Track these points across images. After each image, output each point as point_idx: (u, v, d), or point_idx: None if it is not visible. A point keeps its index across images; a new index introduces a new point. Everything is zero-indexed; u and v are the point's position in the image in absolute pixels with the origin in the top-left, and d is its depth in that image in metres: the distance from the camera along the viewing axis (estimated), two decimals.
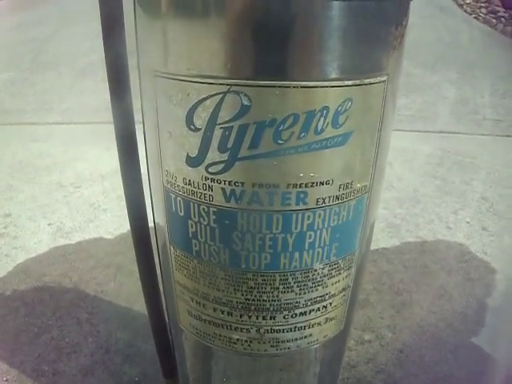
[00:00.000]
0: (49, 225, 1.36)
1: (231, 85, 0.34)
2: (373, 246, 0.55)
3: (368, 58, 0.37)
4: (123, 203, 0.59)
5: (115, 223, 1.34)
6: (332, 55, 0.34)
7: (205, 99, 0.35)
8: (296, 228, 0.41)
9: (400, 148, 1.83)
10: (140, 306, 1.03)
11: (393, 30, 0.37)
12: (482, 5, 4.98)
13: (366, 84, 0.36)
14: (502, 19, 4.48)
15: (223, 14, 0.34)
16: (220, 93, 0.35)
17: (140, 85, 0.43)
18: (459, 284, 1.15)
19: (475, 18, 4.67)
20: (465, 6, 5.03)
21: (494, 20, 4.50)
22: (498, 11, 4.66)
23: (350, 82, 0.35)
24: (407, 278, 1.16)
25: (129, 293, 1.08)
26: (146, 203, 0.53)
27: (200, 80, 0.35)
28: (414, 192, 1.56)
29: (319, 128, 0.36)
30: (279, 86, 0.34)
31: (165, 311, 0.63)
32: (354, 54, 0.35)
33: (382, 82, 0.38)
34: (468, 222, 1.43)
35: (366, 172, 0.42)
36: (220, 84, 0.35)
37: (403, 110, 2.25)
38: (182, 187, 0.41)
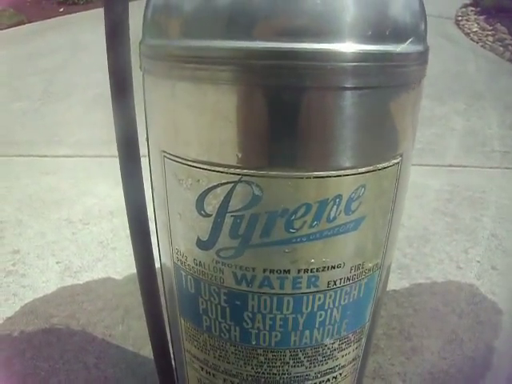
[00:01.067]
0: (57, 263, 1.36)
1: (242, 175, 0.34)
2: None
3: (382, 143, 0.37)
4: None
5: (124, 263, 1.33)
6: (345, 144, 0.34)
7: (215, 187, 0.35)
8: (307, 309, 0.40)
9: (411, 184, 1.82)
10: (148, 351, 1.02)
11: (407, 112, 0.37)
12: (489, 33, 5.00)
13: (379, 169, 0.36)
14: (510, 47, 4.49)
15: (233, 102, 0.34)
16: (231, 182, 0.35)
17: (149, 159, 0.43)
18: (469, 327, 1.14)
19: (482, 46, 4.69)
20: (471, 35, 5.06)
21: (501, 48, 4.52)
22: (505, 39, 4.68)
23: (363, 169, 0.35)
24: (417, 322, 1.14)
25: (136, 337, 1.07)
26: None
27: (210, 168, 0.35)
28: (423, 230, 1.54)
29: (332, 216, 0.36)
30: (291, 177, 0.34)
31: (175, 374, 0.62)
32: (368, 142, 0.35)
33: (396, 164, 0.38)
34: (478, 261, 1.41)
35: (378, 251, 0.42)
36: (231, 173, 0.34)
37: None
38: (193, 267, 0.41)
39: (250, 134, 0.34)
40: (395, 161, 0.37)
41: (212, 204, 0.36)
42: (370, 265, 0.41)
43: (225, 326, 0.42)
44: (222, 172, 0.35)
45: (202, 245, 0.38)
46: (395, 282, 1.27)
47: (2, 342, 1.07)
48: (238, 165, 0.34)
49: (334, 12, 0.31)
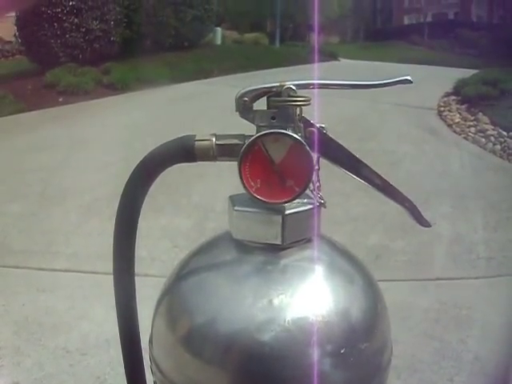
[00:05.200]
0: None
1: None
2: None
3: None
4: None
5: None
6: None
7: None
8: None
9: (398, 303, 1.85)
10: None
11: None
12: (471, 123, 5.20)
13: None
14: (491, 138, 4.66)
15: None
16: None
17: None
18: None
19: (464, 138, 4.85)
20: (454, 126, 5.24)
21: (483, 139, 4.69)
22: (487, 130, 4.87)
23: None
24: None
25: None
26: None
27: None
28: (411, 358, 1.58)
29: None
30: None
31: None
32: None
33: None
34: None
35: None
36: None
37: (399, 255, 2.31)
38: None
39: None
40: None
41: None
42: None
43: None
44: None
45: None
46: None
47: None
48: None
49: None
